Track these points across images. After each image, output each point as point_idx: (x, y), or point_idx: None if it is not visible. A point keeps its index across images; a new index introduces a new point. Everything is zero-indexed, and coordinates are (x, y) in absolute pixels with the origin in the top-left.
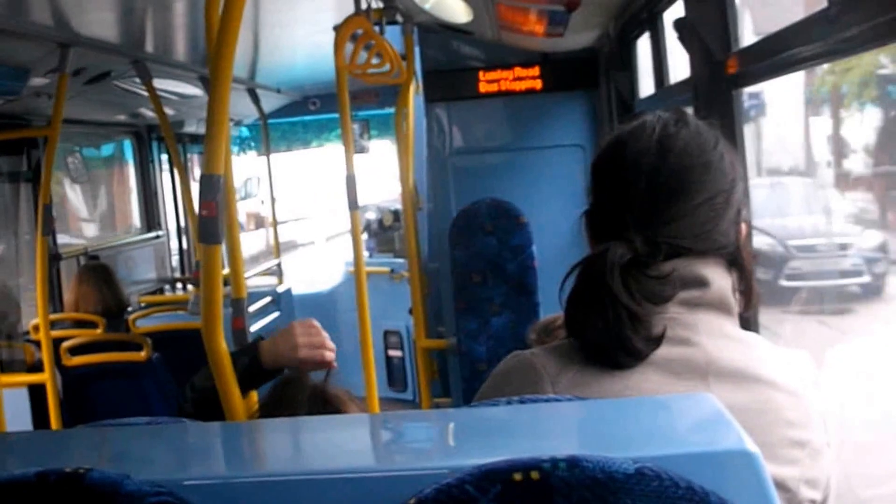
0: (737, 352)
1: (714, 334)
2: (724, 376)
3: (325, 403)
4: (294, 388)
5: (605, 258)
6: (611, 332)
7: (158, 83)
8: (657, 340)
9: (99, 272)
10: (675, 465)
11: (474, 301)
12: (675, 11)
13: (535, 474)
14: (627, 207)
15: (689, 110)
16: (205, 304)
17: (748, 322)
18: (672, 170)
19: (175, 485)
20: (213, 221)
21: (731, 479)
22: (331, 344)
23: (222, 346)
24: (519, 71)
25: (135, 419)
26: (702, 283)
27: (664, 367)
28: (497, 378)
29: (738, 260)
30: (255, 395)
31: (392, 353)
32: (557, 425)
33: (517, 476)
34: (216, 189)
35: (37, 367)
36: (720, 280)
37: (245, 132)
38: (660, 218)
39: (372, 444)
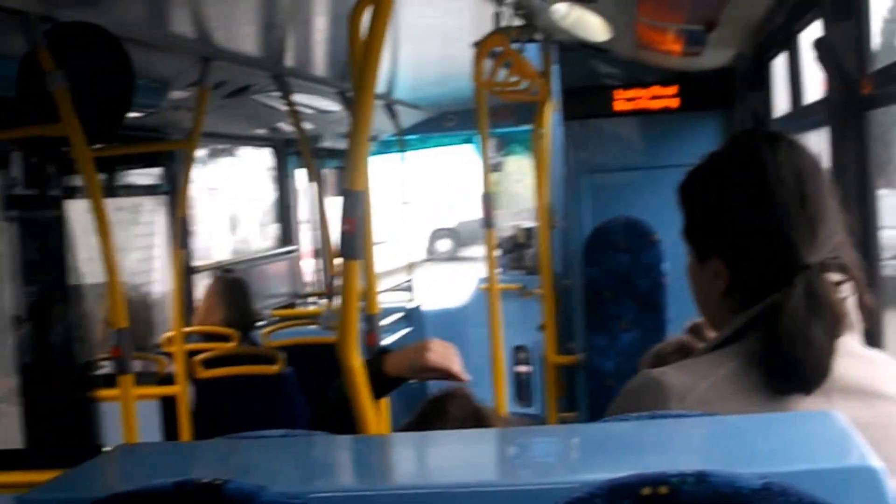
0: (860, 369)
1: (838, 352)
2: (848, 393)
3: (476, 421)
4: (446, 403)
5: (816, 286)
6: (824, 358)
7: (297, 97)
8: None
9: (233, 285)
10: (801, 481)
11: (604, 317)
12: (812, 31)
13: (663, 489)
14: (791, 232)
15: (825, 130)
16: (342, 318)
17: (872, 337)
18: (816, 191)
19: (305, 497)
20: (353, 237)
21: (856, 496)
22: (459, 368)
23: (357, 361)
24: (655, 89)
25: (269, 431)
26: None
27: None
28: (625, 396)
29: (854, 276)
30: (385, 409)
31: (520, 368)
32: (684, 441)
33: (646, 491)
34: (358, 205)
35: (168, 379)
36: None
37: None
38: (820, 239)
39: (499, 459)
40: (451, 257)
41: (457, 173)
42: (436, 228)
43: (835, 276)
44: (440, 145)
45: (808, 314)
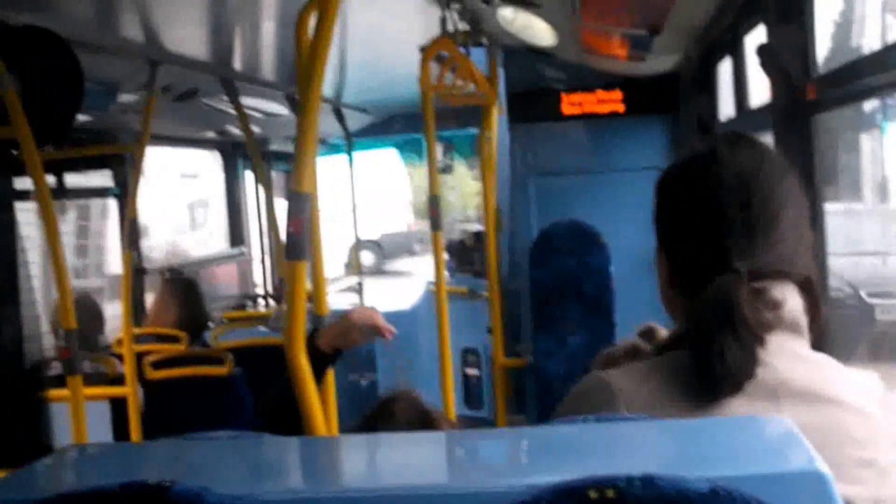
0: (807, 372)
1: (785, 355)
2: (795, 396)
3: (424, 424)
4: (394, 405)
5: (732, 290)
6: (741, 363)
7: (245, 101)
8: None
9: (183, 286)
10: (748, 486)
11: (551, 320)
12: (757, 35)
13: (610, 492)
14: (726, 234)
15: (768, 135)
16: (288, 320)
17: (818, 343)
18: (762, 197)
19: (252, 499)
20: (299, 238)
21: (804, 500)
22: (384, 324)
23: (304, 361)
24: (601, 94)
25: (218, 433)
26: (775, 304)
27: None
28: (573, 398)
29: (808, 282)
30: (333, 410)
31: (469, 371)
32: (632, 444)
33: (593, 494)
34: (304, 207)
35: (119, 380)
36: (793, 301)
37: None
38: (761, 246)
39: (447, 462)
40: (376, 271)
41: (379, 180)
42: (357, 240)
43: (777, 284)
44: (371, 149)
45: (716, 320)
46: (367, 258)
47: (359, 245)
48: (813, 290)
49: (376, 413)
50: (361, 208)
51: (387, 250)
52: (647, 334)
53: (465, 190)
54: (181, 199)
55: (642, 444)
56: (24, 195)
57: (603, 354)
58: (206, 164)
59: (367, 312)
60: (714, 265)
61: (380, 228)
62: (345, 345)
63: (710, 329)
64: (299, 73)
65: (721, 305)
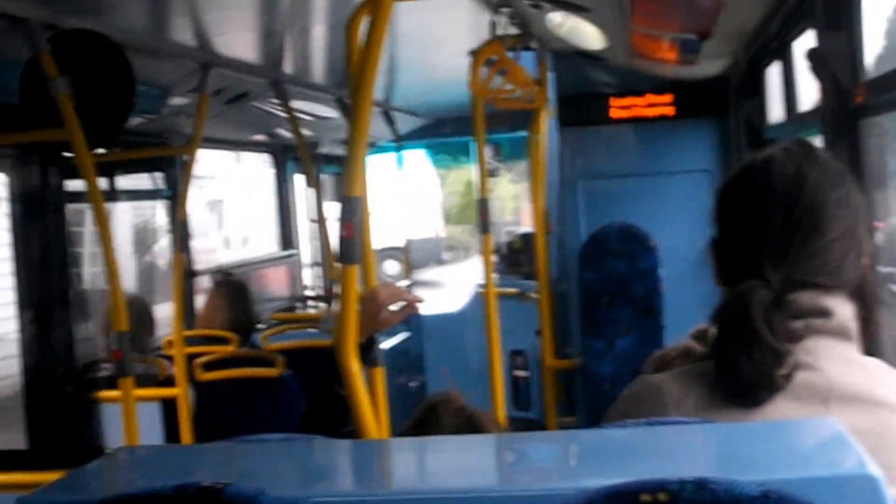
0: (857, 376)
1: (835, 359)
2: (845, 400)
3: (471, 426)
4: (439, 409)
5: (748, 300)
6: (754, 370)
7: (295, 104)
8: (792, 373)
9: (233, 288)
10: (800, 489)
11: (601, 322)
12: (805, 41)
13: (662, 496)
14: (762, 243)
15: (818, 139)
16: (340, 323)
17: (871, 350)
18: (807, 206)
19: (304, 502)
20: (351, 242)
21: (854, 503)
22: (411, 297)
23: (355, 363)
24: (651, 97)
25: (271, 435)
26: (824, 312)
27: (787, 393)
28: (623, 401)
29: (861, 291)
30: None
31: (518, 373)
32: (683, 448)
33: (645, 497)
34: (356, 210)
35: (169, 382)
36: (842, 310)
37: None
38: (796, 255)
39: (499, 465)
40: (401, 281)
41: (407, 183)
42: (381, 247)
43: (824, 292)
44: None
45: (729, 330)
46: (391, 267)
47: (381, 254)
48: (865, 299)
49: (422, 417)
50: (387, 212)
51: (414, 258)
52: (701, 336)
53: (501, 193)
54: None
55: (693, 448)
56: (74, 197)
57: (655, 356)
58: (223, 165)
59: (389, 289)
60: (748, 271)
61: (405, 235)
62: (377, 328)
63: (724, 339)
64: (350, 77)
65: (734, 316)
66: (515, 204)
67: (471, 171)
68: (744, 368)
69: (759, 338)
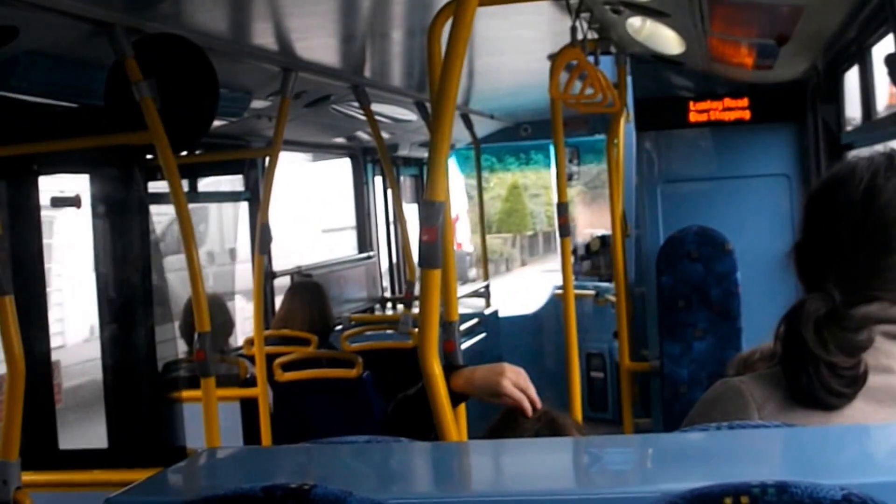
0: None
1: None
2: None
3: (553, 430)
4: (521, 413)
5: (802, 313)
6: (812, 382)
7: (375, 107)
8: (862, 380)
9: (311, 290)
10: (881, 493)
11: (678, 325)
12: (884, 45)
13: (744, 499)
14: (830, 255)
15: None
16: (422, 327)
17: None
18: (876, 224)
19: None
20: (433, 246)
21: None
22: (535, 396)
23: (437, 367)
24: (728, 101)
25: (354, 437)
26: None
27: (867, 395)
28: (705, 404)
29: None
30: (463, 415)
31: (594, 374)
32: (765, 451)
33: (728, 500)
34: (438, 214)
35: (249, 382)
36: None
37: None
38: (861, 271)
39: (578, 468)
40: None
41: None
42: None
43: (889, 307)
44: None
45: (786, 342)
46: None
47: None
48: None
49: (503, 420)
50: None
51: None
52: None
53: (548, 199)
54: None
55: (773, 452)
56: (157, 198)
57: (738, 358)
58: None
59: (519, 380)
60: (818, 282)
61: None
62: (481, 399)
63: (784, 351)
64: (431, 81)
65: (789, 329)
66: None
67: (517, 173)
68: (802, 381)
69: (810, 352)
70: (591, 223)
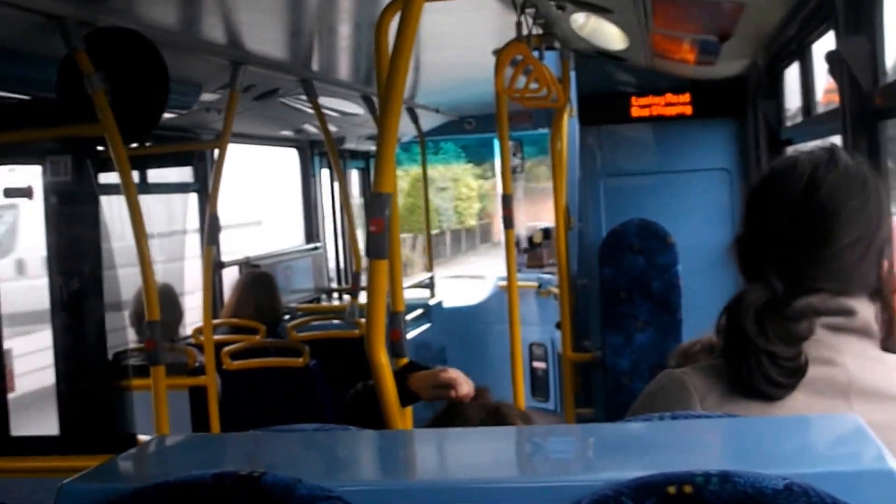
0: (878, 372)
1: (857, 356)
2: (866, 395)
3: (495, 419)
4: (466, 402)
5: (741, 303)
6: (753, 372)
7: (322, 100)
8: (802, 372)
9: (261, 280)
10: (822, 483)
11: (620, 317)
12: (824, 42)
13: (688, 488)
14: (771, 247)
15: (837, 140)
16: (369, 316)
17: (891, 350)
18: (816, 214)
19: (342, 491)
20: (380, 237)
21: (875, 497)
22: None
23: (384, 356)
24: (670, 97)
25: (303, 425)
26: (848, 312)
27: (808, 387)
28: (648, 395)
29: (880, 293)
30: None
31: (537, 364)
32: (707, 441)
33: (671, 489)
34: (385, 206)
35: (198, 371)
36: (865, 310)
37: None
38: (801, 262)
39: (522, 456)
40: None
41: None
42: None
43: (830, 298)
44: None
45: (728, 331)
46: None
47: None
48: (885, 300)
49: (448, 411)
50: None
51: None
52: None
53: (457, 193)
54: None
55: (715, 442)
56: (107, 190)
57: (679, 350)
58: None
59: (461, 376)
60: (759, 273)
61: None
62: (426, 398)
63: (725, 342)
64: (379, 76)
65: (730, 319)
66: (482, 204)
67: (420, 168)
68: (743, 371)
69: (751, 341)
70: (532, 216)
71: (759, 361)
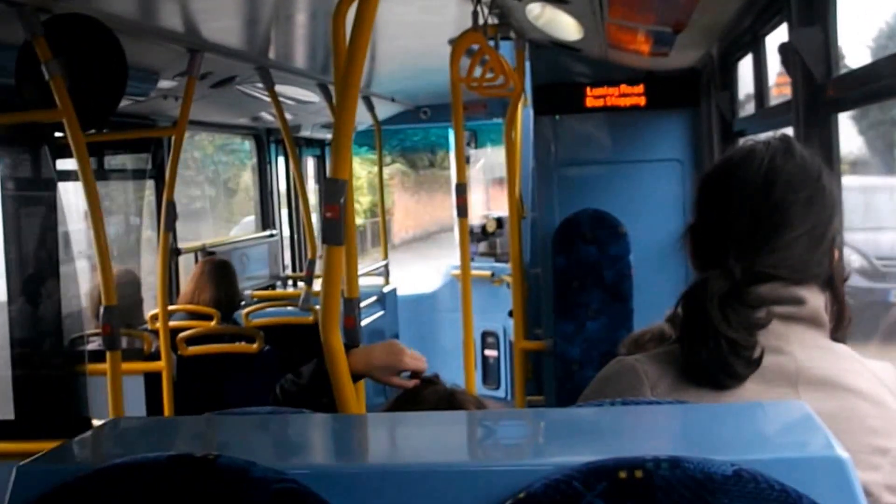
0: (826, 361)
1: (806, 345)
2: (814, 384)
3: (451, 404)
4: (423, 387)
5: (706, 289)
6: (712, 359)
7: (279, 88)
8: (757, 362)
9: (218, 267)
10: (770, 469)
11: (572, 306)
12: (778, 35)
13: (638, 473)
14: (728, 235)
15: (789, 131)
16: (324, 302)
17: (840, 340)
18: (775, 203)
19: (295, 473)
20: (336, 224)
21: (822, 484)
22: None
23: (338, 342)
24: (624, 88)
25: (258, 408)
26: (797, 301)
27: (757, 376)
28: (600, 381)
29: (830, 283)
30: (362, 390)
31: (488, 352)
32: (658, 427)
33: (622, 474)
34: (341, 193)
35: (154, 356)
36: (814, 300)
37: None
38: (759, 249)
39: (475, 440)
40: None
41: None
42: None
43: (783, 286)
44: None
45: (686, 318)
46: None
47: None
48: (836, 291)
49: (403, 396)
50: None
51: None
52: (674, 320)
53: (358, 185)
54: None
55: (665, 428)
56: (65, 176)
57: (631, 338)
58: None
59: (418, 358)
60: (716, 261)
61: None
62: (375, 378)
63: (684, 328)
64: (336, 64)
65: (692, 306)
66: (372, 197)
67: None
68: (702, 357)
69: (713, 328)
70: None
71: (719, 348)
